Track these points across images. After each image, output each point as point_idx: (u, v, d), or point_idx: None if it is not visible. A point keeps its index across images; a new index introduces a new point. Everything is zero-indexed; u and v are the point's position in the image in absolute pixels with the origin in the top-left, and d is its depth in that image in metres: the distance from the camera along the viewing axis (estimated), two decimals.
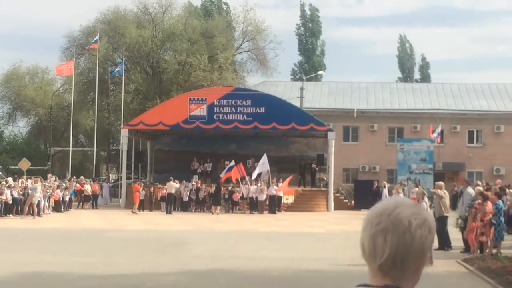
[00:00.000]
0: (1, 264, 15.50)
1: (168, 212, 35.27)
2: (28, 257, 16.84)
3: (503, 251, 17.26)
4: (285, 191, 37.97)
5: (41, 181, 35.08)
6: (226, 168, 37.10)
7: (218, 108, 39.93)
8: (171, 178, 36.82)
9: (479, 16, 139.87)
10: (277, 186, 36.76)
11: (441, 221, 19.01)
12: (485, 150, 52.52)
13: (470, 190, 19.30)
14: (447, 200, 19.49)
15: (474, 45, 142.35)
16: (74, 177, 43.24)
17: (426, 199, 16.30)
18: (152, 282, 13.36)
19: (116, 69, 51.55)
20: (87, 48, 50.80)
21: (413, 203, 2.26)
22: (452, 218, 20.07)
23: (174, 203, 36.29)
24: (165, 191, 37.10)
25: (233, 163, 36.88)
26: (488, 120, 52.78)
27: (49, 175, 41.58)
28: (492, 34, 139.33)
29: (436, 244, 18.22)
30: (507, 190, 21.54)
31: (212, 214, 34.83)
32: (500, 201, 17.72)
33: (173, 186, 35.89)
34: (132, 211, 35.03)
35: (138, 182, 36.71)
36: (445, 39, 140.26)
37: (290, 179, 38.55)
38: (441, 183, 20.20)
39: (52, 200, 34.74)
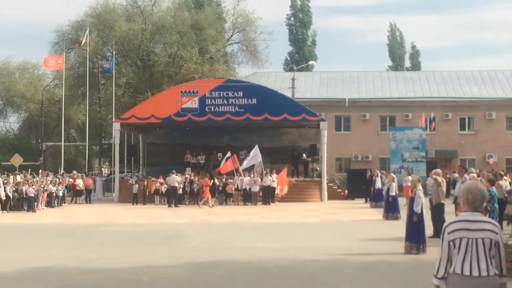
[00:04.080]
0: None
1: (170, 205, 35.17)
2: (23, 253, 16.79)
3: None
4: (283, 183, 37.96)
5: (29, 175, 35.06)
6: (224, 160, 36.94)
7: (209, 100, 39.87)
8: (173, 171, 36.78)
9: (465, 3, 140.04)
10: (271, 177, 36.69)
11: (439, 208, 19.01)
12: (477, 137, 52.67)
13: (467, 177, 19.31)
14: (444, 188, 19.50)
15: (461, 32, 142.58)
16: (64, 172, 43.12)
17: (420, 186, 16.28)
18: (148, 275, 13.34)
19: (107, 65, 51.41)
20: (80, 45, 50.37)
21: (479, 183, 6.31)
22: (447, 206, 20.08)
23: (174, 197, 36.03)
24: (158, 184, 37.08)
25: (229, 154, 36.81)
26: (480, 107, 52.88)
27: (41, 170, 41.50)
28: (478, 21, 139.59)
29: (430, 232, 18.25)
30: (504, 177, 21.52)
31: (211, 207, 34.65)
32: (493, 187, 17.74)
33: (175, 179, 35.74)
34: (200, 206, 34.49)
35: (208, 176, 36.21)
36: (432, 27, 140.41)
37: (285, 170, 38.59)
38: (439, 170, 20.17)
39: (45, 195, 34.64)
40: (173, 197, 35.69)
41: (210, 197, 34.93)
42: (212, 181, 35.65)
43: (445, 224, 5.96)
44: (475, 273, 5.70)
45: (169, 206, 35.07)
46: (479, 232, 5.74)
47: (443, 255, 5.87)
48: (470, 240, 5.74)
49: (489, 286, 5.73)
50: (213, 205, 34.94)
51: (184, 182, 36.86)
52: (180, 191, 36.64)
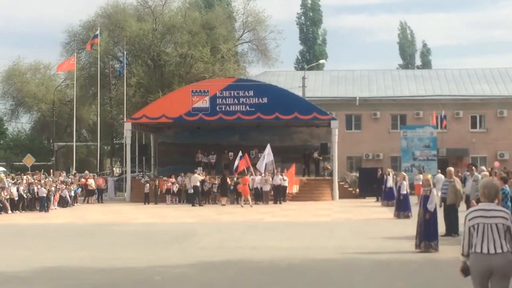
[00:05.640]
0: (10, 260, 15.56)
1: (200, 204, 35.26)
2: (36, 252, 16.89)
3: None
4: (293, 181, 37.99)
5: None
6: (237, 160, 36.87)
7: (220, 99, 39.91)
8: (196, 170, 37.04)
9: (476, 1, 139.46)
10: (281, 176, 36.71)
11: (453, 208, 18.93)
12: (489, 135, 52.49)
13: (479, 176, 19.24)
14: (460, 187, 19.42)
15: (471, 30, 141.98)
16: (76, 172, 43.32)
17: (432, 184, 16.21)
18: (160, 274, 13.39)
19: (118, 66, 51.62)
20: (91, 46, 50.33)
21: (494, 179, 10.02)
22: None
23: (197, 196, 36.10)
24: (170, 184, 37.20)
25: (241, 153, 36.82)
26: (491, 105, 52.71)
27: (52, 170, 41.67)
28: (489, 18, 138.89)
29: (443, 230, 18.21)
30: None
31: (223, 205, 34.76)
32: (506, 185, 17.65)
33: (197, 178, 35.80)
34: (241, 205, 34.52)
35: (248, 175, 36.15)
36: (443, 25, 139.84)
37: (293, 167, 38.61)
38: (451, 168, 20.04)
39: (57, 195, 34.80)
40: (196, 196, 35.77)
41: (249, 195, 35.05)
42: (222, 180, 35.85)
43: (466, 213, 7.65)
44: (492, 250, 7.27)
45: (198, 205, 35.12)
46: (493, 219, 7.33)
47: (466, 237, 7.49)
48: (486, 225, 7.32)
49: (503, 261, 7.26)
50: (224, 204, 35.02)
51: None
52: (192, 191, 36.70)
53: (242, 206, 34.12)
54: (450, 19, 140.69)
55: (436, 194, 15.87)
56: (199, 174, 36.75)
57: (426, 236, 15.75)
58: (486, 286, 7.38)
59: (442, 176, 28.89)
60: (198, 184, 35.73)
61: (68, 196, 35.74)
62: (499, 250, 7.27)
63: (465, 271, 7.57)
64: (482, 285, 7.38)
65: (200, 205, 35.12)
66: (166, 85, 52.33)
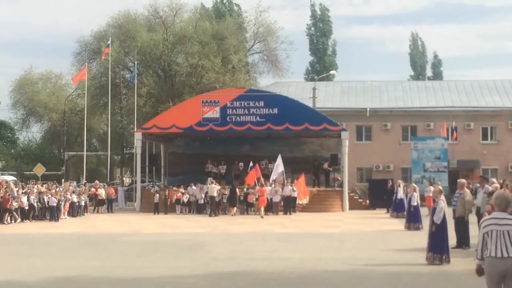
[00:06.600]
0: (20, 269, 15.58)
1: (212, 214, 35.18)
2: (46, 262, 16.91)
3: None
4: (303, 192, 37.94)
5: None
6: (249, 169, 36.85)
7: (231, 110, 39.95)
8: (212, 180, 37.08)
9: (487, 13, 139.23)
10: (291, 186, 36.65)
11: (463, 220, 18.81)
12: (500, 146, 52.22)
13: (489, 187, 19.15)
14: (471, 199, 19.31)
15: (483, 42, 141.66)
16: (86, 182, 43.41)
17: (443, 197, 16.14)
18: (170, 285, 13.38)
19: (129, 75, 51.73)
20: (103, 56, 50.45)
21: (506, 191, 9.00)
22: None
23: (213, 205, 36.01)
24: (180, 194, 37.21)
25: (251, 164, 36.80)
26: (502, 116, 52.47)
27: (63, 180, 41.73)
28: (500, 30, 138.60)
29: (454, 242, 18.12)
30: None
31: (232, 215, 34.77)
32: None
33: (214, 188, 35.79)
34: (261, 216, 34.26)
35: (259, 185, 36.16)
36: (454, 36, 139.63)
37: (303, 177, 38.55)
38: (464, 180, 19.93)
39: (67, 205, 34.85)
40: (210, 206, 35.80)
41: (263, 207, 34.99)
42: (231, 190, 35.86)
43: (481, 221, 8.53)
44: (506, 254, 7.98)
45: (211, 215, 35.06)
46: (505, 226, 8.08)
47: (480, 243, 8.26)
48: (499, 231, 8.07)
49: None
50: (234, 215, 35.00)
51: (206, 192, 36.88)
52: (202, 201, 36.75)
53: (262, 217, 33.91)
54: (461, 30, 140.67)
55: (443, 206, 15.75)
56: (216, 185, 36.74)
57: (433, 248, 15.70)
58: None
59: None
60: (215, 194, 35.77)
61: (77, 202, 35.76)
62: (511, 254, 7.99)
63: (480, 272, 8.31)
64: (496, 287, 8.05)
65: (210, 215, 35.11)
66: (177, 95, 52.43)
